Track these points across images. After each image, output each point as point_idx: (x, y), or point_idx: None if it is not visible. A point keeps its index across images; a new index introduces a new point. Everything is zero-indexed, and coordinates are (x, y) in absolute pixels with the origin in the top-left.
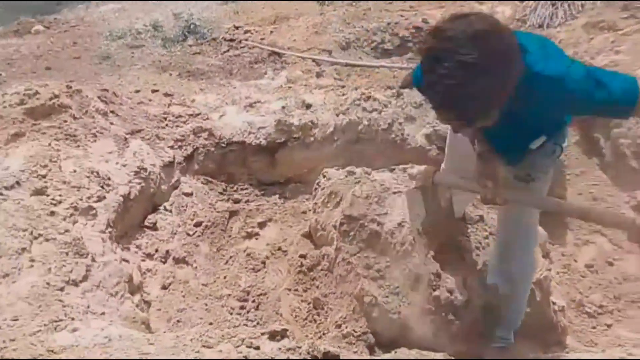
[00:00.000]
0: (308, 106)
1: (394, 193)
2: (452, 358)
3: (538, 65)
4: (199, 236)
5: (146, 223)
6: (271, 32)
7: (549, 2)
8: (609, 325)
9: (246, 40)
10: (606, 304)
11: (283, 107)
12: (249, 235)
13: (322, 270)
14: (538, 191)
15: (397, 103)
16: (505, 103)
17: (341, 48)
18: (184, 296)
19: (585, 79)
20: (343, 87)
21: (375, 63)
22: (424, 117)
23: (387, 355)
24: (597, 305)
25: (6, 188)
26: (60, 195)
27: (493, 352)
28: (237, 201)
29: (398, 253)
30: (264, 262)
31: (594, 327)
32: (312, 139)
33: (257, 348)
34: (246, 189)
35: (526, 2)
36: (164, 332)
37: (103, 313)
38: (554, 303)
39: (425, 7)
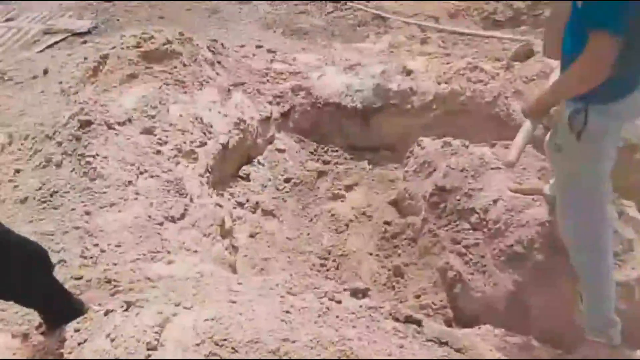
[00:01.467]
0: (409, 72)
1: (492, 169)
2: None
3: None
4: (287, 192)
5: (240, 173)
6: None
7: None
8: None
9: (352, 1)
10: None
11: (383, 72)
12: (335, 197)
13: (406, 239)
14: (566, 165)
15: (505, 76)
16: None
17: (449, 16)
18: (269, 246)
19: None
20: (448, 55)
21: (484, 33)
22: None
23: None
24: None
25: (119, 124)
26: (166, 137)
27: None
28: (326, 162)
29: (490, 231)
30: (347, 225)
31: None
32: (409, 106)
33: (339, 302)
34: (336, 151)
35: None
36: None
37: (196, 251)
38: None
39: None
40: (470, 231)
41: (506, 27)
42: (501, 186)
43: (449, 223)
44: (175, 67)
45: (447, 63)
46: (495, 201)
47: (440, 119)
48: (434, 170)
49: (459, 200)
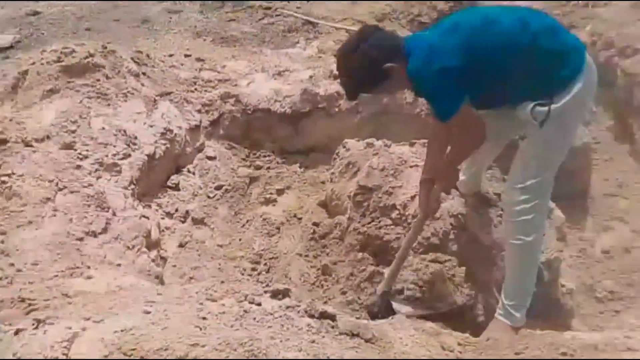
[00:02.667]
0: (336, 77)
1: (411, 167)
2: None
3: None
4: (218, 199)
5: (169, 183)
6: (308, 0)
7: None
8: (617, 312)
9: (282, 8)
10: (618, 291)
11: (310, 77)
12: (267, 201)
13: (333, 238)
14: (531, 149)
15: None
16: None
17: (376, 20)
18: (199, 255)
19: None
20: None
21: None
22: None
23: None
24: (608, 291)
25: (36, 140)
26: (87, 151)
27: (496, 327)
28: (258, 167)
29: (409, 225)
30: (278, 228)
31: (601, 312)
32: (336, 109)
33: (259, 304)
34: (268, 156)
35: None
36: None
37: (119, 264)
38: (562, 285)
39: None
40: (392, 227)
41: None
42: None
43: (372, 220)
44: (98, 80)
45: None
46: (413, 197)
47: (366, 120)
48: (358, 170)
49: (380, 198)
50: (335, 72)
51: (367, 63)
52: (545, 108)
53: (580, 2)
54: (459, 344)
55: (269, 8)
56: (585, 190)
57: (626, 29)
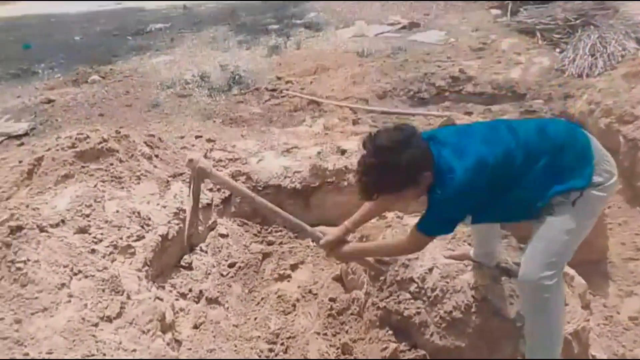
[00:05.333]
0: (343, 152)
1: None
2: None
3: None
4: (232, 277)
5: (182, 263)
6: (311, 82)
7: (587, 53)
8: None
9: (287, 90)
10: None
11: (319, 153)
12: (281, 277)
13: (352, 314)
14: (559, 226)
15: None
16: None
17: (378, 97)
18: (214, 336)
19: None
20: None
21: (411, 111)
22: None
23: None
24: None
25: (51, 226)
26: (101, 234)
27: None
28: (270, 243)
29: (429, 299)
30: (294, 305)
31: None
32: (345, 183)
33: None
34: (280, 231)
35: (564, 53)
36: None
37: (134, 350)
38: (593, 356)
39: (462, 58)
40: (411, 301)
41: (431, 103)
42: (435, 254)
43: (390, 295)
44: (112, 164)
45: None
46: (430, 269)
47: None
48: None
49: (397, 271)
50: (343, 147)
51: (410, 164)
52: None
53: (574, 74)
54: None
55: (275, 90)
56: (604, 256)
57: (621, 97)
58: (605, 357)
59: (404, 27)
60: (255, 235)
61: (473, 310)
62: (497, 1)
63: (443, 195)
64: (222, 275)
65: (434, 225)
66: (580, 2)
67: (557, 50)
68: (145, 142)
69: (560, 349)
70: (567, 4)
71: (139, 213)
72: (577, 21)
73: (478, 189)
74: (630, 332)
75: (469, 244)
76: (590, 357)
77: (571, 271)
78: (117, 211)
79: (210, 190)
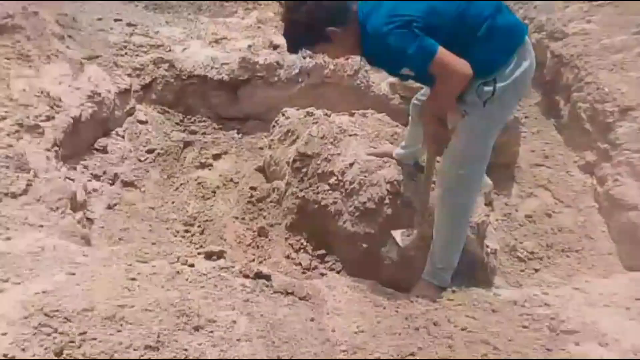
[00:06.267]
0: (275, 47)
1: (350, 135)
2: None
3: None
4: (150, 162)
5: (96, 146)
6: None
7: None
8: (536, 270)
9: None
10: (537, 251)
11: (249, 46)
12: (202, 166)
13: (271, 202)
14: (472, 125)
15: None
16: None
17: None
18: (128, 217)
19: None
20: None
21: None
22: None
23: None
24: (529, 251)
25: None
26: (6, 112)
27: (422, 285)
28: (193, 132)
29: (347, 190)
30: (214, 192)
31: (522, 270)
32: (276, 78)
33: (192, 265)
34: (204, 121)
35: None
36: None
37: (41, 226)
38: (487, 246)
39: None
40: (329, 192)
41: None
42: (357, 151)
43: (310, 185)
44: (19, 41)
45: None
46: (351, 164)
47: (305, 91)
48: (297, 137)
49: (319, 164)
50: (276, 42)
51: (310, 21)
52: (490, 88)
53: None
54: (388, 299)
55: None
56: (513, 161)
57: (555, 14)
58: (497, 247)
59: None
60: (177, 124)
61: (386, 202)
62: None
63: (380, 29)
64: (139, 160)
65: (417, 52)
66: None
67: None
68: (56, 21)
69: (462, 242)
70: None
71: (48, 93)
72: None
73: (414, 8)
74: (523, 228)
75: (391, 143)
76: (485, 246)
77: None
78: (24, 90)
79: (129, 75)
